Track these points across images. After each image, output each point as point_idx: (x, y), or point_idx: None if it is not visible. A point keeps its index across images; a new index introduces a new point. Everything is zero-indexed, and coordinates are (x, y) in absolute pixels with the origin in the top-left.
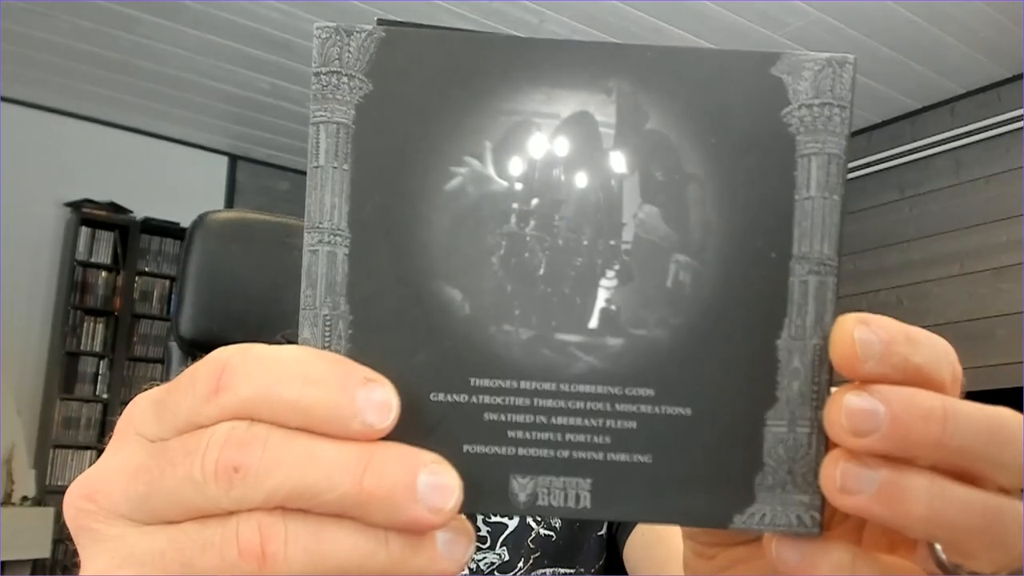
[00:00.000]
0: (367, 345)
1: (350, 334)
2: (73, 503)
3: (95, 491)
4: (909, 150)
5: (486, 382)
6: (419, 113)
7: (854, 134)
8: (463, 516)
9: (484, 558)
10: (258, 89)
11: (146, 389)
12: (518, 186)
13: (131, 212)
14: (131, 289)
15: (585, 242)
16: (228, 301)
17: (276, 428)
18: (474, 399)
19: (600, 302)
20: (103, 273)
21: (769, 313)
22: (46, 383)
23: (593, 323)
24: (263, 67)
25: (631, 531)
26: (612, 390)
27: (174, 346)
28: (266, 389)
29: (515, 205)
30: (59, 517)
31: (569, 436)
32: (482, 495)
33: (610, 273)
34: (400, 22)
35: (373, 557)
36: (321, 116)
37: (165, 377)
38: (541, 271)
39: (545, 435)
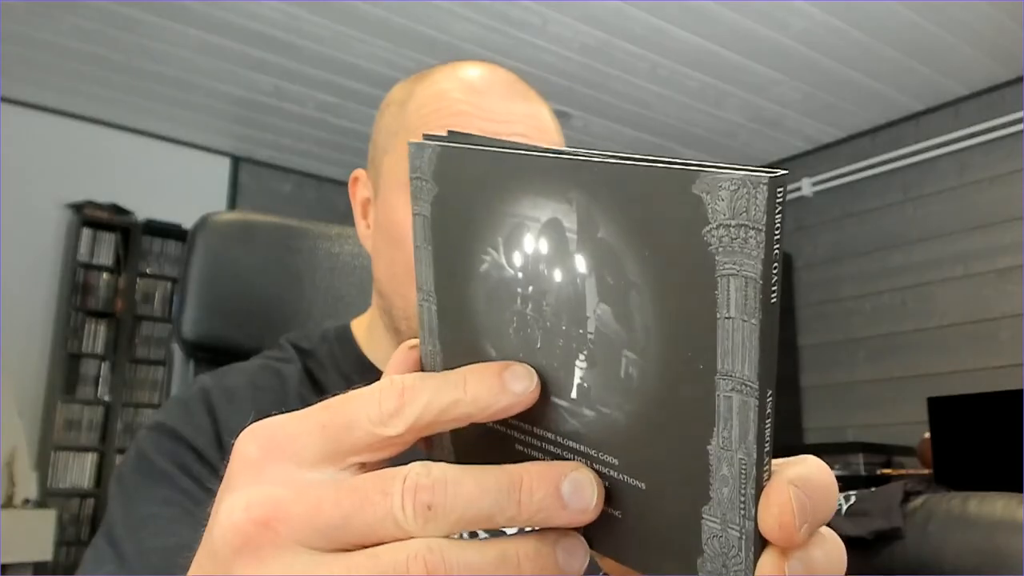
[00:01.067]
0: None
1: (442, 367)
2: (244, 528)
3: (274, 519)
4: (913, 151)
5: (513, 421)
6: (463, 211)
7: (856, 135)
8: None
9: None
10: (261, 90)
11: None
12: (520, 275)
13: (133, 214)
14: (133, 291)
15: (564, 327)
16: (231, 303)
17: (451, 468)
18: (505, 431)
19: (576, 379)
20: (105, 275)
21: (702, 420)
22: (48, 385)
23: (573, 394)
24: (266, 68)
25: None
26: (590, 451)
27: (176, 348)
28: (439, 401)
29: (519, 290)
30: (61, 519)
31: None
32: None
33: (581, 356)
34: (460, 134)
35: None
36: (415, 210)
37: (167, 379)
38: (538, 345)
39: None
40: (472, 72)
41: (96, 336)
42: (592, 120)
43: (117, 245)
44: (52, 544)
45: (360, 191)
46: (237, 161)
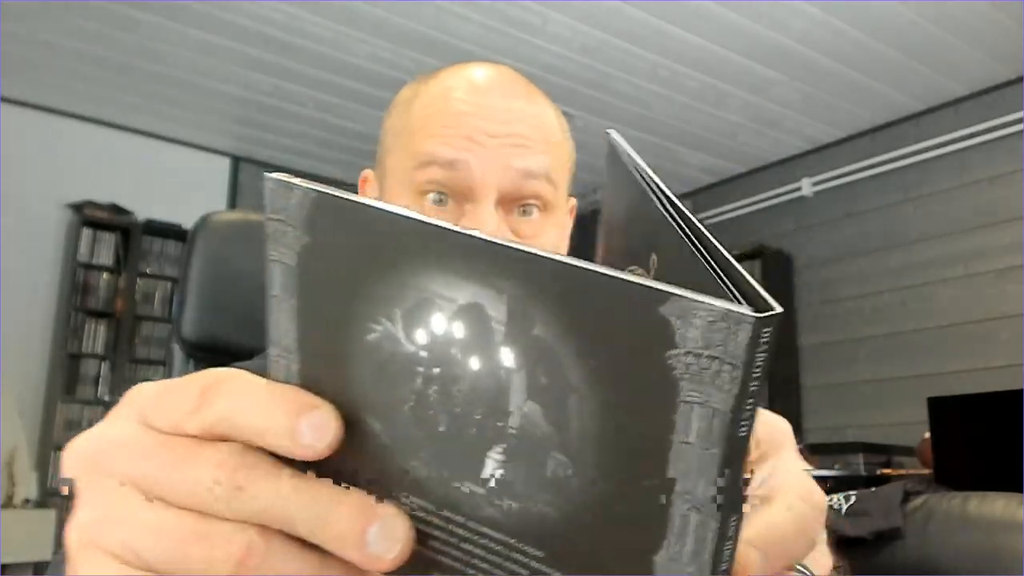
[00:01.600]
0: None
1: None
2: (76, 465)
3: (98, 461)
4: (913, 151)
5: (411, 499)
6: (344, 270)
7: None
8: None
9: None
10: (261, 90)
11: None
12: (423, 353)
13: (133, 214)
14: (133, 291)
15: (478, 416)
16: (230, 303)
17: (265, 458)
18: (403, 510)
19: (490, 470)
20: (105, 275)
21: (648, 532)
22: (48, 385)
23: (492, 484)
24: (266, 68)
25: None
26: (508, 540)
27: (176, 348)
28: (233, 414)
29: (420, 368)
30: (61, 519)
31: (475, 561)
32: None
33: (498, 448)
34: (332, 185)
35: None
36: (273, 256)
37: (167, 379)
38: (442, 428)
39: (457, 553)
40: (477, 72)
41: (96, 336)
42: (592, 120)
43: (117, 245)
44: (52, 544)
45: (369, 191)
46: (237, 161)
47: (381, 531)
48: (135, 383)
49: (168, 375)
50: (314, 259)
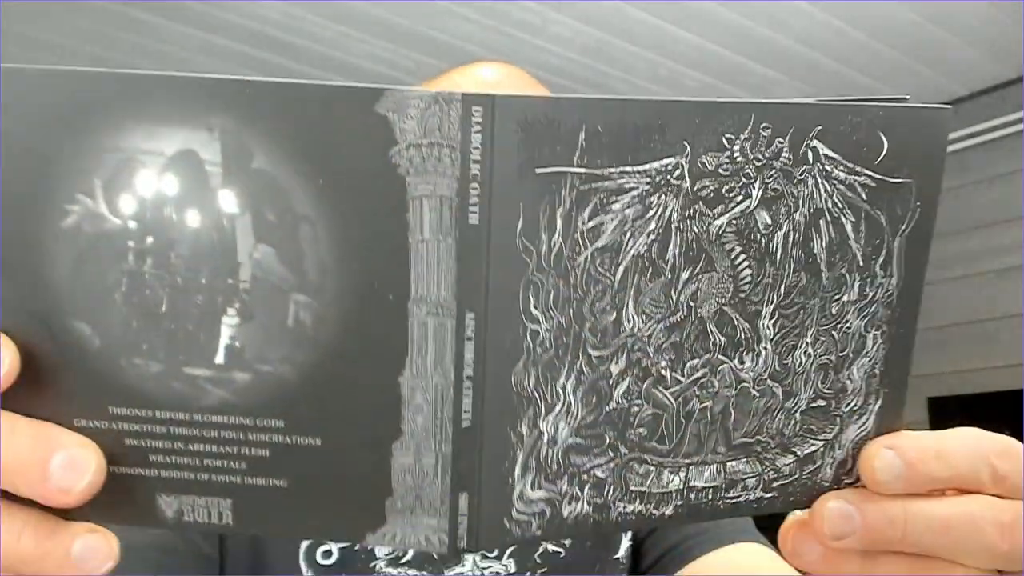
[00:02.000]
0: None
1: None
2: None
3: None
4: None
5: (124, 411)
6: (32, 152)
7: None
8: (110, 533)
9: (490, 567)
10: None
11: None
12: (132, 224)
13: None
14: None
15: (203, 280)
16: None
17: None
18: (114, 425)
19: (224, 339)
20: None
21: (392, 352)
22: None
23: (219, 359)
24: (265, 68)
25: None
26: (243, 421)
27: None
28: None
29: (131, 243)
30: None
31: (207, 461)
32: (135, 511)
33: (231, 311)
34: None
35: (10, 548)
36: None
37: None
38: (163, 308)
39: (184, 460)
40: (486, 72)
41: None
42: None
43: None
44: None
45: None
46: None
47: (66, 461)
48: None
49: None
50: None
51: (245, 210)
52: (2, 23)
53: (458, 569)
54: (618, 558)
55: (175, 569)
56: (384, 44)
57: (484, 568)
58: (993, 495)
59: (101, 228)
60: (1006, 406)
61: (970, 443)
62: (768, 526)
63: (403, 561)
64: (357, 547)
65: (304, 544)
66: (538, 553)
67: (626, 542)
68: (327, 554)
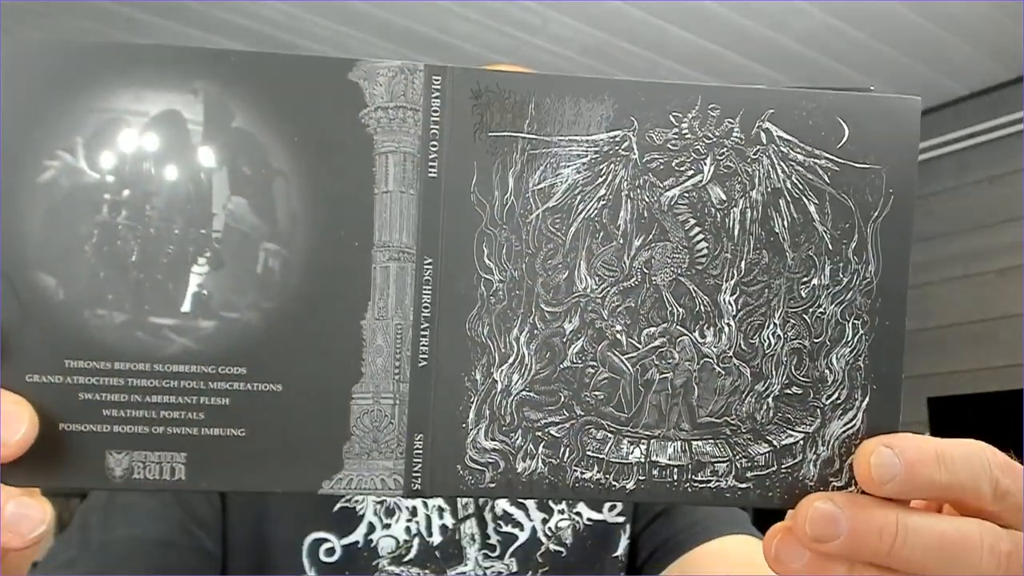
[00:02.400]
0: None
1: None
2: None
3: None
4: None
5: (81, 364)
6: (19, 114)
7: None
8: (43, 498)
9: (492, 566)
10: None
11: None
12: (110, 178)
13: None
14: None
15: (176, 231)
16: None
17: None
18: (69, 380)
19: (192, 287)
20: None
21: (355, 296)
22: None
23: (186, 307)
24: None
25: (664, 568)
26: (205, 369)
27: None
28: None
29: (107, 196)
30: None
31: (164, 413)
32: (81, 471)
33: (201, 260)
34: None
35: None
36: None
37: None
38: (133, 258)
39: (140, 413)
40: None
41: None
42: None
43: None
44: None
45: None
46: None
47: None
48: None
49: None
50: None
51: (223, 165)
52: (2, 23)
53: (460, 568)
54: (617, 556)
55: (176, 565)
56: (384, 44)
57: (486, 567)
58: (993, 512)
59: (78, 182)
60: (1006, 406)
61: (974, 451)
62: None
63: (406, 560)
64: (360, 545)
65: (307, 541)
66: (539, 552)
67: (624, 540)
68: (330, 551)
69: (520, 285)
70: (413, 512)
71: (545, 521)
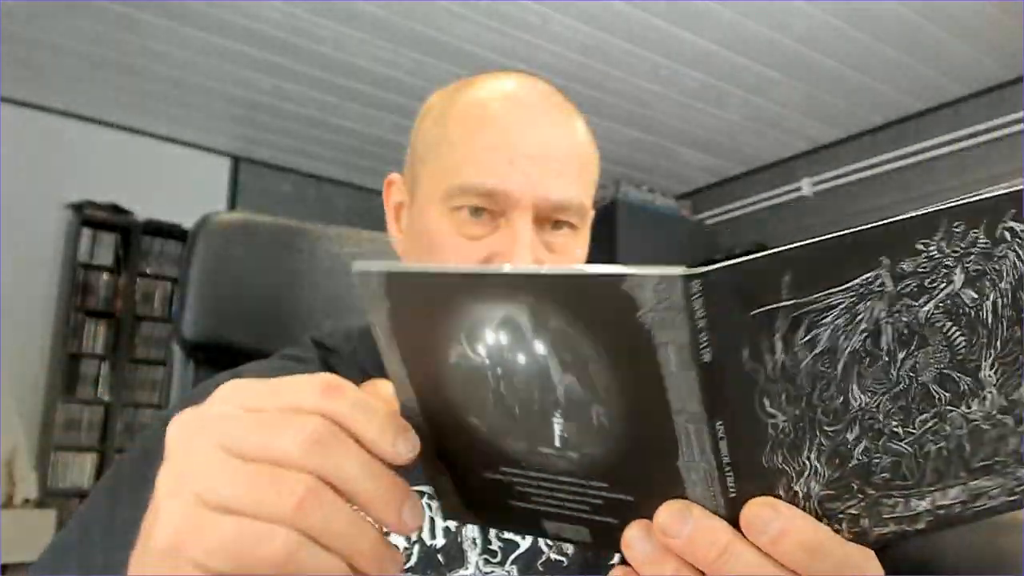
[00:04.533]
0: (443, 443)
1: (431, 444)
2: (180, 431)
3: (199, 427)
4: (913, 152)
5: (509, 469)
6: (421, 318)
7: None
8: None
9: (492, 572)
10: (260, 90)
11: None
12: (486, 361)
13: (133, 213)
14: (133, 291)
15: (536, 395)
16: (231, 303)
17: (345, 437)
18: (505, 478)
19: (557, 431)
20: (105, 275)
21: (667, 445)
22: (47, 385)
23: (557, 444)
24: (266, 68)
25: None
26: (580, 481)
27: (176, 348)
28: (350, 418)
29: (488, 373)
30: (61, 519)
31: (566, 503)
32: (528, 530)
33: (557, 414)
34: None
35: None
36: (372, 321)
37: (167, 379)
38: (516, 412)
39: (553, 502)
40: (514, 86)
41: (96, 336)
42: (592, 120)
43: (117, 245)
44: None
45: (394, 195)
46: (237, 161)
47: (411, 508)
48: (135, 383)
49: (168, 375)
50: (398, 316)
51: (551, 354)
52: (2, 23)
53: (461, 571)
54: (615, 564)
55: None
56: (384, 44)
57: (487, 573)
58: None
59: (471, 363)
60: None
61: (838, 553)
62: None
63: (407, 567)
64: None
65: None
66: (541, 561)
67: None
68: None
69: (802, 418)
70: None
71: None
